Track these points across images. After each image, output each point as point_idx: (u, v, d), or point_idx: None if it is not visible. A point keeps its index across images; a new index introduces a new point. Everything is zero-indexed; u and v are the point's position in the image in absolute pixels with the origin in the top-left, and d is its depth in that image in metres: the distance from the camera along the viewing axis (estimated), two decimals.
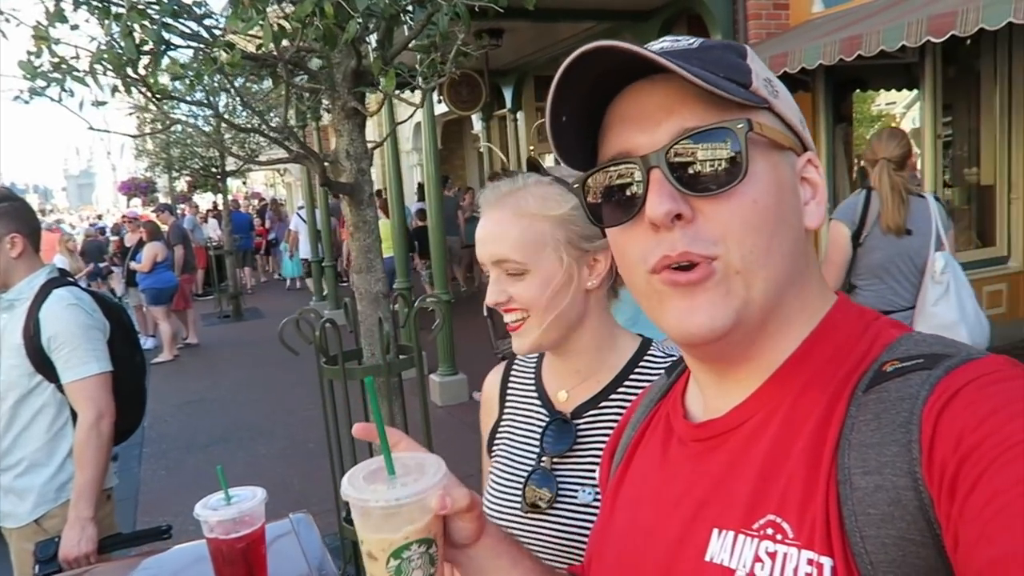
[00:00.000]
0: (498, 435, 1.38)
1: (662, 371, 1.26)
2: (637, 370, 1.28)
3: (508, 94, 12.47)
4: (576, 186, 0.75)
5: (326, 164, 3.18)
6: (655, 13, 8.39)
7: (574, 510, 1.20)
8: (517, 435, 1.34)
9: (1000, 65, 6.78)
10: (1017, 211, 6.94)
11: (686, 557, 0.70)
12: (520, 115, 12.79)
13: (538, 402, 1.34)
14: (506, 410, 1.39)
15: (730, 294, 0.68)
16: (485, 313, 5.45)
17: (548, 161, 10.95)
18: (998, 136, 6.91)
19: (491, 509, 1.29)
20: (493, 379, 1.46)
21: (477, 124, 14.53)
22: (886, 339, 0.68)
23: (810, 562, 0.60)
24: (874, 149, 3.55)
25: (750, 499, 0.66)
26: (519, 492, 1.25)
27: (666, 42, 0.72)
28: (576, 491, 1.21)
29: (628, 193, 0.70)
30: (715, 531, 0.68)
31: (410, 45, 3.07)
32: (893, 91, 7.67)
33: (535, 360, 1.40)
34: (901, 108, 7.94)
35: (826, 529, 0.59)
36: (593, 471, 1.21)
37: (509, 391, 1.40)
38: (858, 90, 7.83)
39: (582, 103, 0.72)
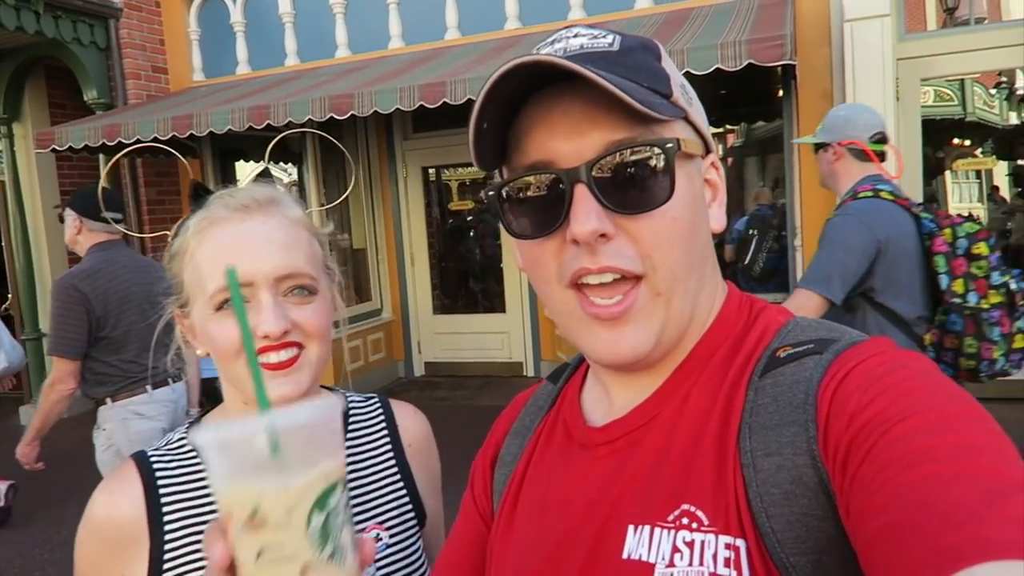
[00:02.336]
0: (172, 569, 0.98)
1: (374, 411, 1.17)
2: (351, 422, 1.14)
3: None
4: (491, 193, 0.70)
5: None
6: (5, 56, 7.20)
7: None
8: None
9: (360, 146, 7.95)
10: (384, 270, 8.19)
11: (603, 557, 0.67)
12: None
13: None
14: (171, 532, 0.99)
15: (651, 318, 0.67)
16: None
17: None
18: (364, 207, 8.07)
19: None
20: (125, 503, 0.98)
21: None
22: (775, 326, 0.71)
23: (728, 546, 0.60)
24: None
25: (663, 492, 0.65)
26: None
27: (583, 37, 0.68)
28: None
29: (547, 205, 0.66)
30: (631, 528, 0.66)
31: None
32: (273, 164, 8.22)
33: (181, 445, 1.05)
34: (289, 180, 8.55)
35: (737, 512, 0.60)
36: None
37: (166, 502, 0.99)
38: (241, 160, 8.15)
39: (502, 109, 0.67)
